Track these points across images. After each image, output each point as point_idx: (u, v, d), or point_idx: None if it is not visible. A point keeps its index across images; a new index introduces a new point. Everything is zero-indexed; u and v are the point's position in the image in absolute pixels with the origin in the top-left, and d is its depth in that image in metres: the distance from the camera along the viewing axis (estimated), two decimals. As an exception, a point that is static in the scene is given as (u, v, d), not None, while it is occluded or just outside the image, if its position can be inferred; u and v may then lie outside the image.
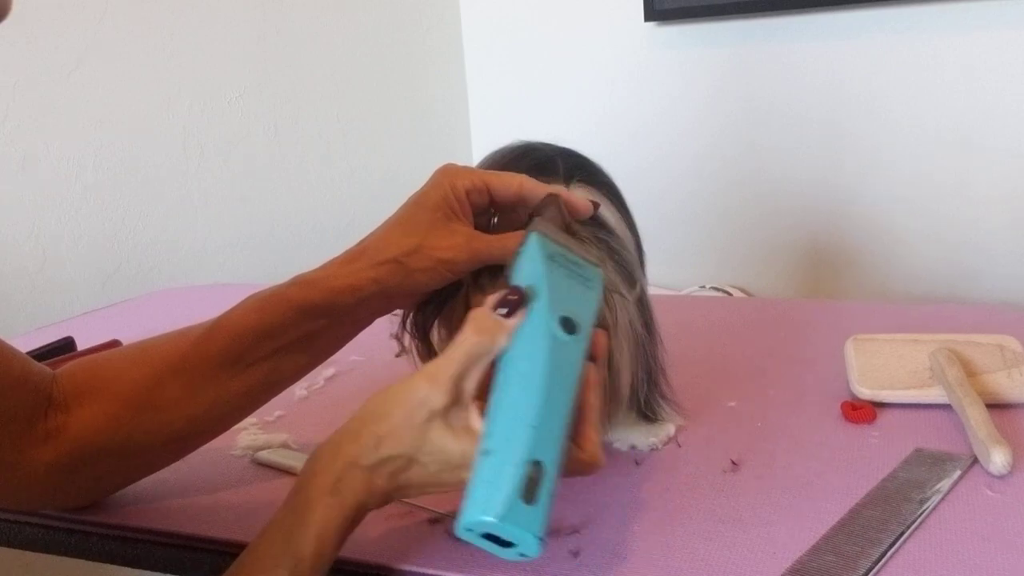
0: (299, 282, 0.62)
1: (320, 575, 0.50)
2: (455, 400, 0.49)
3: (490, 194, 0.62)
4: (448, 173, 0.62)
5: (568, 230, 0.60)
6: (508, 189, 0.61)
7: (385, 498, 0.52)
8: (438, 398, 0.48)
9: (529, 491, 0.44)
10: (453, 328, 0.64)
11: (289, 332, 0.62)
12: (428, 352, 0.67)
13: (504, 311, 0.50)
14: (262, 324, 0.61)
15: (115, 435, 0.61)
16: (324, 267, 0.63)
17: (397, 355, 0.68)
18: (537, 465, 0.45)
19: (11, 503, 0.66)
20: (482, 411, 0.49)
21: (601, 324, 0.58)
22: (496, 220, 0.65)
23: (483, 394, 0.49)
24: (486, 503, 0.44)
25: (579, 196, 0.63)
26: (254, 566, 0.50)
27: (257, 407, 0.66)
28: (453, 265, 0.60)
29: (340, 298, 0.61)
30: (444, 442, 0.49)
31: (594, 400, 0.51)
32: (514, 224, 0.63)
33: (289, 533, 0.50)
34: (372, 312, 0.64)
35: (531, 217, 0.58)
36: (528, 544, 0.45)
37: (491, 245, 0.60)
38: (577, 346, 0.51)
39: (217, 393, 0.62)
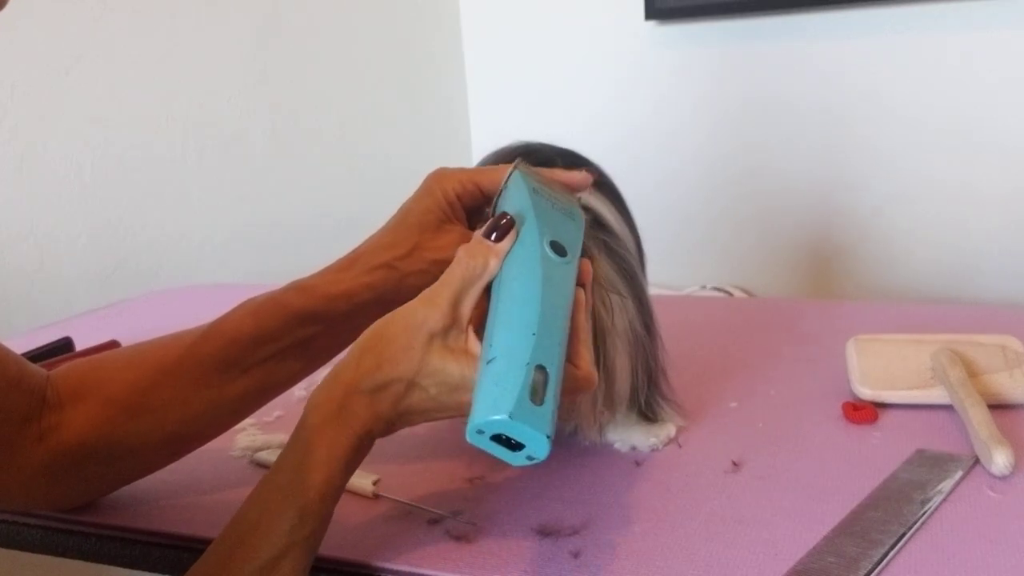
0: (294, 288, 0.63)
1: (330, 501, 0.51)
2: (453, 322, 0.50)
3: (481, 192, 0.62)
4: (437, 178, 0.63)
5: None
6: (496, 184, 0.62)
7: (389, 425, 0.52)
8: (437, 319, 0.49)
9: (536, 392, 0.45)
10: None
11: (284, 338, 0.62)
12: None
13: (494, 236, 0.52)
14: (257, 330, 0.62)
15: (108, 437, 0.61)
16: (319, 273, 0.63)
17: None
18: (541, 369, 0.46)
19: (4, 504, 0.66)
20: (478, 335, 0.50)
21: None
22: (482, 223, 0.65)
23: (477, 320, 0.51)
24: (496, 403, 0.45)
25: (571, 172, 0.63)
26: (267, 497, 0.51)
27: (251, 412, 0.66)
28: (445, 265, 0.60)
29: (335, 304, 0.62)
30: (444, 363, 0.49)
31: (584, 321, 0.53)
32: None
33: (297, 464, 0.50)
34: (367, 318, 0.64)
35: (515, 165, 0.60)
36: (538, 444, 0.45)
37: (482, 255, 0.60)
38: (567, 267, 0.52)
39: (211, 397, 0.62)
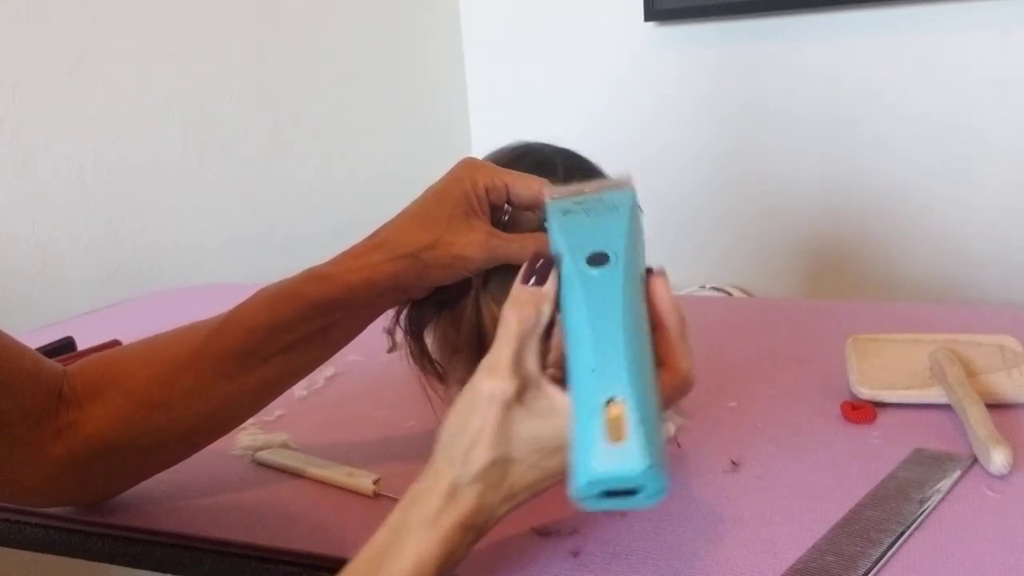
0: (312, 277, 0.62)
1: None
2: (524, 383, 0.46)
3: (508, 194, 0.61)
4: (469, 168, 0.61)
5: None
6: (527, 192, 0.61)
7: (492, 512, 0.48)
8: (505, 386, 0.45)
9: (615, 430, 0.42)
10: (463, 330, 0.64)
11: (303, 327, 0.61)
12: (420, 350, 0.67)
13: (534, 280, 0.48)
14: (274, 320, 0.61)
15: (127, 432, 0.61)
16: (338, 260, 0.62)
17: (389, 351, 0.68)
18: (614, 402, 0.42)
19: (23, 500, 0.66)
20: (557, 381, 0.47)
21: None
22: (508, 217, 0.64)
23: (555, 366, 0.48)
24: (579, 468, 0.42)
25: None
26: None
27: (269, 401, 0.66)
28: (469, 262, 0.60)
29: (357, 293, 0.61)
30: (532, 429, 0.46)
31: (672, 317, 0.48)
32: (527, 222, 0.63)
33: (382, 559, 0.46)
34: (386, 304, 0.64)
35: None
36: (643, 479, 0.42)
37: (509, 243, 0.60)
38: (614, 272, 0.48)
39: (230, 389, 0.62)
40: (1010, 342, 0.77)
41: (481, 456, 0.46)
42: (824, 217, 1.86)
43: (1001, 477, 0.61)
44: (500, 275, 0.62)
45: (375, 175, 1.88)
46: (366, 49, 1.87)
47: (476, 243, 0.59)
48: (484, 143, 2.15)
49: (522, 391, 0.46)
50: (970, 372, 0.73)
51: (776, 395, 0.79)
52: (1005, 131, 1.66)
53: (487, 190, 0.61)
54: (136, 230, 1.40)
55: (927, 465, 0.64)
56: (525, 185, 0.61)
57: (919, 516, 0.57)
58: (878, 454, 0.66)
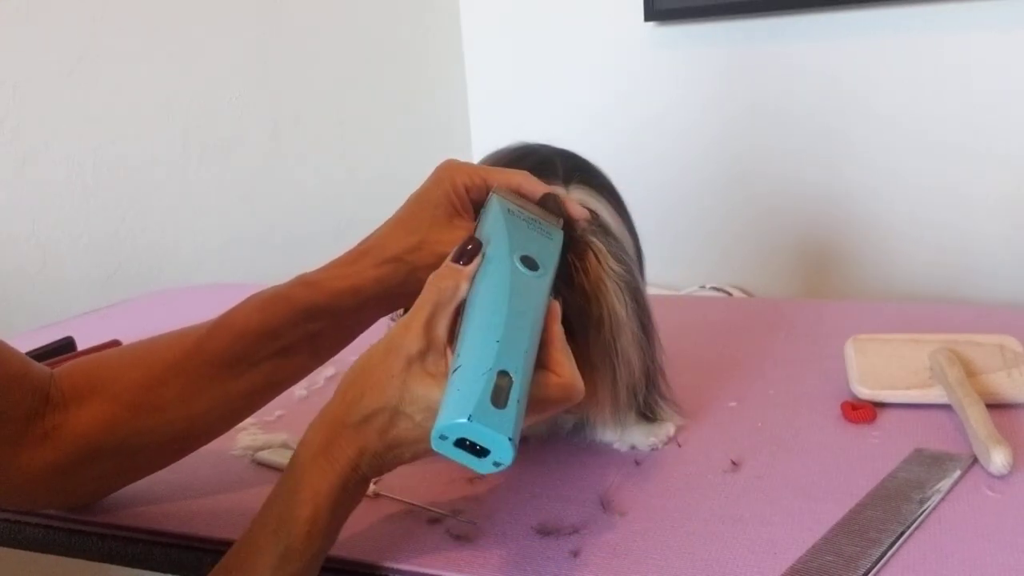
0: (301, 283, 0.62)
1: (316, 542, 0.50)
2: (429, 345, 0.50)
3: (489, 189, 0.62)
4: (449, 169, 0.62)
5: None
6: (508, 185, 0.62)
7: (377, 459, 0.51)
8: (412, 343, 0.49)
9: (498, 396, 0.45)
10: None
11: (292, 333, 0.62)
12: None
13: (462, 260, 0.53)
14: (264, 325, 0.61)
15: (114, 435, 0.61)
16: (326, 268, 0.63)
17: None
18: (504, 375, 0.46)
19: (9, 503, 0.66)
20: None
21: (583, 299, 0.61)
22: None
23: (454, 341, 0.51)
24: (457, 407, 0.45)
25: (576, 203, 0.63)
26: (254, 534, 0.51)
27: (257, 408, 0.66)
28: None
29: (343, 299, 0.61)
30: (425, 389, 0.49)
31: (559, 330, 0.52)
32: None
33: (283, 502, 0.50)
34: (375, 312, 0.64)
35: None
36: (501, 447, 0.45)
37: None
38: (539, 281, 0.53)
39: (217, 394, 0.62)
40: (1010, 342, 0.77)
41: (375, 400, 0.50)
42: (824, 217, 1.86)
43: (1001, 477, 0.61)
44: None
45: (375, 175, 1.88)
46: (366, 49, 1.87)
47: (459, 241, 0.59)
48: (484, 143, 2.15)
49: (425, 352, 0.50)
50: (970, 372, 0.73)
51: (776, 395, 0.79)
52: (1006, 131, 1.66)
53: (467, 189, 0.62)
54: (136, 230, 1.40)
55: (927, 465, 0.64)
56: (505, 180, 0.62)
57: (919, 516, 0.57)
58: (878, 454, 0.66)
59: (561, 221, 0.61)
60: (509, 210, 0.58)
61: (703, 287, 1.92)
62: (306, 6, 1.71)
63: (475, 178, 0.62)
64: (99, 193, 1.34)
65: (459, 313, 0.52)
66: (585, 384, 0.60)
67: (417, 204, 0.62)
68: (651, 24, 1.93)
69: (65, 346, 0.97)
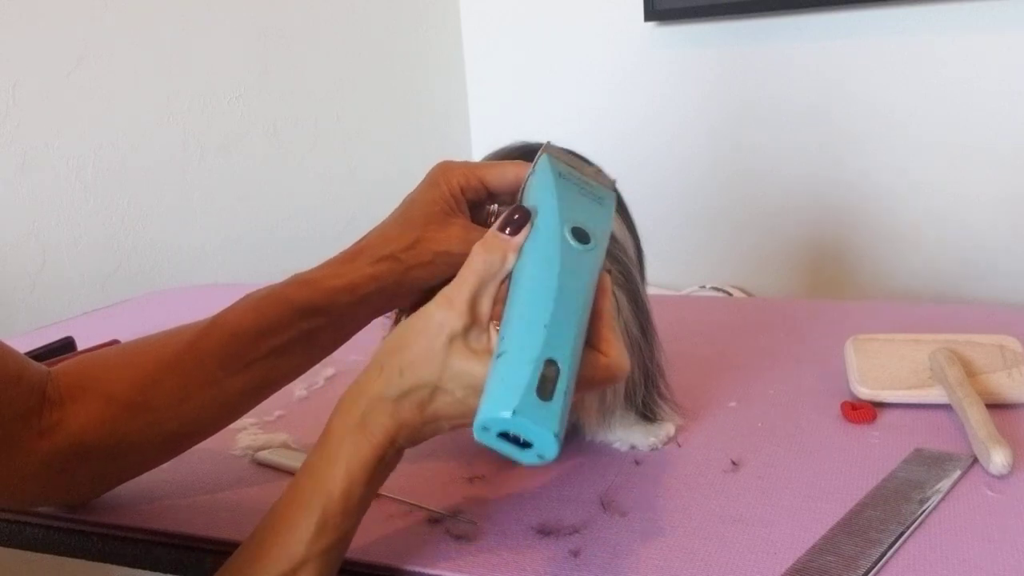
0: (297, 281, 0.62)
1: (352, 515, 0.50)
2: (473, 321, 0.48)
3: (485, 187, 0.62)
4: (443, 170, 0.62)
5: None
6: (503, 179, 0.62)
7: (415, 432, 0.50)
8: (455, 320, 0.48)
9: (544, 388, 0.44)
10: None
11: (287, 332, 0.62)
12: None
13: (509, 229, 0.50)
14: (260, 324, 0.61)
15: (110, 434, 0.61)
16: (322, 266, 0.63)
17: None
18: (552, 364, 0.44)
19: (6, 502, 0.66)
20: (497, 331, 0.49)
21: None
22: (494, 219, 0.64)
23: (499, 316, 0.49)
24: (501, 399, 0.43)
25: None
26: (287, 507, 0.51)
27: (252, 406, 0.66)
28: (450, 257, 0.60)
29: (339, 297, 0.61)
30: (467, 365, 0.48)
31: (608, 306, 0.51)
32: None
33: (319, 472, 0.50)
34: (371, 311, 0.64)
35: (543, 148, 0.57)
36: (545, 442, 0.44)
37: (485, 251, 0.60)
38: (590, 255, 0.50)
39: (213, 393, 0.62)
40: (1010, 342, 0.77)
41: (415, 376, 0.49)
42: (824, 217, 1.86)
43: (1001, 477, 0.61)
44: None
45: (375, 175, 1.88)
46: (366, 49, 1.87)
47: (454, 237, 0.60)
48: (484, 143, 2.15)
49: (468, 328, 0.48)
50: (970, 372, 0.73)
51: (776, 395, 0.79)
52: (1006, 130, 1.66)
53: (463, 189, 0.62)
54: (136, 230, 1.40)
55: (927, 465, 0.64)
56: (500, 174, 0.62)
57: (919, 516, 0.57)
58: (878, 454, 0.66)
59: (614, 182, 0.58)
60: (560, 173, 0.54)
61: (703, 287, 1.92)
62: (306, 6, 1.71)
63: (470, 178, 0.62)
64: (99, 193, 1.34)
65: (505, 285, 0.50)
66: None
67: (412, 204, 0.62)
68: (651, 24, 1.93)
69: (65, 346, 0.97)
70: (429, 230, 0.61)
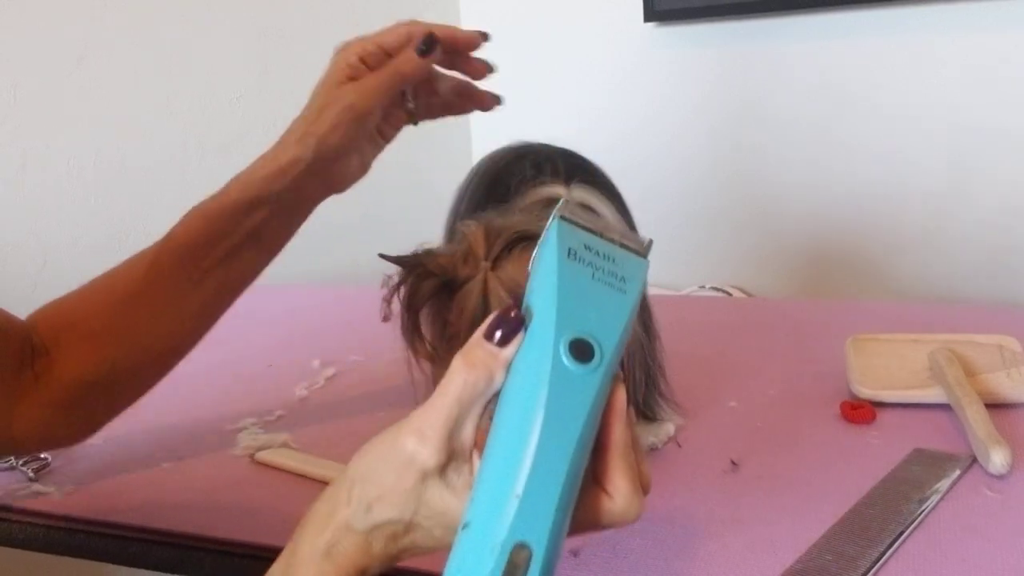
0: (233, 181, 0.68)
1: None
2: (450, 456, 0.41)
3: (384, 51, 0.67)
4: (339, 50, 0.68)
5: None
6: (396, 36, 0.66)
7: (388, 561, 0.45)
8: (428, 457, 0.40)
9: None
10: (465, 314, 0.63)
11: (235, 232, 0.67)
12: (413, 326, 0.66)
13: (499, 336, 0.41)
14: (208, 232, 0.66)
15: (96, 368, 0.64)
16: (254, 161, 0.69)
17: (383, 319, 0.68)
18: (523, 548, 0.36)
19: (12, 447, 0.69)
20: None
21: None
22: (412, 105, 0.72)
23: (483, 443, 0.41)
24: None
25: (463, 30, 0.67)
26: None
27: (224, 310, 0.70)
28: (354, 106, 0.65)
29: (271, 184, 0.67)
30: (444, 503, 0.41)
31: (621, 433, 0.41)
32: (431, 106, 0.72)
33: None
34: (309, 195, 0.70)
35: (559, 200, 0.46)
36: None
37: (382, 74, 0.66)
38: (594, 376, 0.39)
39: (183, 305, 0.66)
40: (1010, 342, 0.77)
41: (383, 513, 0.42)
42: (824, 217, 1.86)
43: (1000, 477, 0.61)
44: (513, 259, 0.61)
45: (374, 175, 1.88)
46: (366, 49, 1.87)
47: (353, 88, 0.65)
48: (484, 143, 2.15)
49: (444, 465, 0.41)
50: (969, 372, 0.73)
51: (776, 395, 0.79)
52: (1006, 130, 1.66)
53: (360, 57, 0.66)
54: (136, 231, 1.40)
55: (926, 465, 0.64)
56: (392, 32, 0.67)
57: (919, 516, 0.57)
58: (877, 454, 0.66)
59: (648, 245, 0.45)
60: (571, 251, 0.42)
61: (703, 287, 1.92)
62: (306, 6, 1.71)
63: (366, 46, 0.67)
64: (99, 193, 1.34)
65: (493, 402, 0.41)
66: None
67: (318, 85, 0.68)
68: (651, 24, 1.93)
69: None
70: (331, 98, 0.66)
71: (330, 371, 0.91)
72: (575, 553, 0.56)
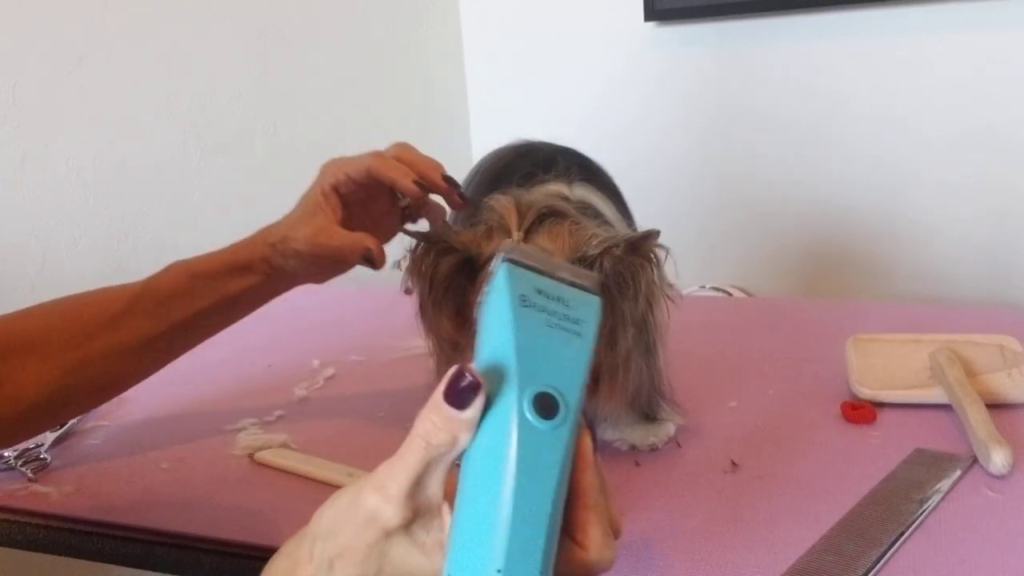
0: (226, 248, 0.72)
1: None
2: (415, 515, 0.39)
3: (351, 179, 0.68)
4: (322, 172, 0.70)
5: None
6: (359, 170, 0.68)
7: None
8: (390, 514, 0.39)
9: None
10: (461, 318, 0.63)
11: (214, 293, 0.70)
12: (433, 304, 0.66)
13: (456, 402, 0.39)
14: (189, 288, 0.70)
15: (48, 389, 0.67)
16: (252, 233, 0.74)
17: (405, 292, 0.68)
18: None
19: None
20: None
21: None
22: (407, 208, 0.73)
23: (453, 496, 0.39)
24: None
25: (405, 181, 0.66)
26: None
27: (171, 360, 0.73)
28: (301, 255, 0.68)
29: (256, 263, 0.71)
30: (412, 562, 0.40)
31: (591, 481, 0.40)
32: (425, 209, 0.71)
33: None
34: (289, 281, 0.73)
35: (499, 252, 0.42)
36: None
37: (332, 240, 0.67)
38: (561, 430, 0.38)
39: (141, 352, 0.70)
40: (1010, 342, 0.77)
41: (346, 570, 0.40)
42: (825, 217, 1.86)
43: (1001, 477, 0.61)
44: (543, 231, 0.62)
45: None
46: (366, 49, 1.87)
47: (305, 238, 0.67)
48: (484, 143, 2.15)
49: (410, 522, 0.39)
50: (970, 372, 0.73)
51: (776, 395, 0.79)
52: (1005, 130, 1.66)
53: (333, 187, 0.68)
54: (136, 230, 1.40)
55: (927, 465, 0.64)
56: (356, 166, 0.68)
57: (919, 516, 0.57)
58: (878, 454, 0.66)
59: (599, 279, 0.45)
60: (522, 297, 0.40)
61: (703, 287, 1.92)
62: (306, 6, 1.71)
63: (337, 173, 0.69)
64: (99, 193, 1.34)
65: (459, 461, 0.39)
66: (608, 383, 0.60)
67: (299, 200, 0.71)
68: (651, 24, 1.93)
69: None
70: (295, 228, 0.69)
71: (330, 371, 0.91)
72: (575, 553, 0.56)
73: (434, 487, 0.40)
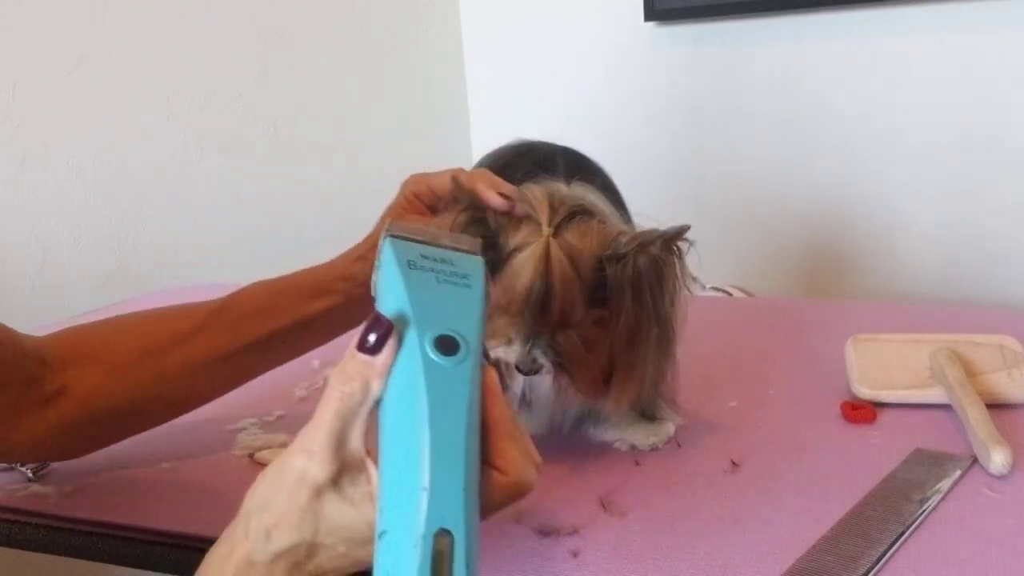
0: (306, 269, 0.72)
1: None
2: (342, 467, 0.41)
3: (432, 190, 0.69)
4: (405, 181, 0.71)
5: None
6: (441, 181, 0.68)
7: None
8: (317, 471, 0.40)
9: (440, 566, 0.37)
10: (519, 290, 0.64)
11: (292, 312, 0.70)
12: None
13: (370, 348, 0.41)
14: (267, 305, 0.70)
15: (116, 401, 0.66)
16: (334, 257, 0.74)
17: None
18: (444, 534, 0.38)
19: (11, 459, 0.71)
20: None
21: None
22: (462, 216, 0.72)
23: (375, 449, 0.41)
24: None
25: (492, 190, 0.64)
26: None
27: (243, 383, 0.73)
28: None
29: (336, 283, 0.71)
30: (344, 516, 0.41)
31: (502, 410, 0.43)
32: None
33: None
34: (365, 306, 0.71)
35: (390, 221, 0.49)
36: None
37: None
38: (464, 367, 0.41)
39: (213, 371, 0.69)
40: (1010, 342, 0.77)
41: (282, 538, 0.41)
42: (825, 217, 1.86)
43: (1001, 477, 0.61)
44: (572, 228, 0.63)
45: (375, 175, 1.88)
46: (366, 49, 1.87)
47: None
48: (484, 143, 2.15)
49: (338, 476, 0.41)
50: (970, 372, 0.73)
51: (776, 395, 0.79)
52: (1005, 130, 1.66)
53: (416, 195, 0.70)
54: (136, 230, 1.40)
55: (927, 465, 0.64)
56: (438, 178, 0.69)
57: (919, 516, 0.57)
58: (878, 454, 0.66)
59: (479, 242, 0.49)
60: (410, 262, 0.44)
61: (703, 287, 1.92)
62: (306, 6, 1.71)
63: (419, 184, 0.70)
64: (99, 193, 1.34)
65: (376, 410, 0.42)
66: (621, 381, 0.61)
67: (385, 211, 0.71)
68: (651, 24, 1.93)
69: (65, 346, 0.97)
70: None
71: (330, 371, 0.91)
72: (575, 553, 0.56)
73: (355, 440, 0.42)
